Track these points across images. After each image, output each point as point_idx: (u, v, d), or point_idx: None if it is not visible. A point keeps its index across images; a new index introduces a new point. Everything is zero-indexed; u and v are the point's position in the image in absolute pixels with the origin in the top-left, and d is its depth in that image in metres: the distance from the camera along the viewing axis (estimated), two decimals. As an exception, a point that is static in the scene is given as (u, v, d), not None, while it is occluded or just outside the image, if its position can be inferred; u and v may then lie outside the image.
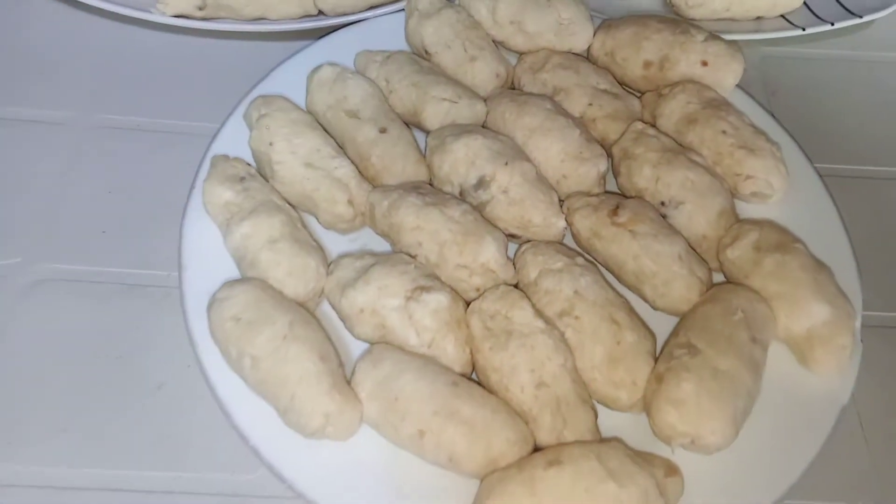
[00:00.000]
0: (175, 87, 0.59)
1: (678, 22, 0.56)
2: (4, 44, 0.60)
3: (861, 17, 0.63)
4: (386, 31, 0.58)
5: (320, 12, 0.60)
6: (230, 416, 0.41)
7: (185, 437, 0.44)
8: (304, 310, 0.43)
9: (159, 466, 0.43)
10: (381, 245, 0.49)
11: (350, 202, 0.48)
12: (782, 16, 0.65)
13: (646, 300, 0.47)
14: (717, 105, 0.53)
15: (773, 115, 0.56)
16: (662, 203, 0.49)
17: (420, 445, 0.39)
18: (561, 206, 0.50)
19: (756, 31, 0.63)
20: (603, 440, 0.41)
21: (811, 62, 0.66)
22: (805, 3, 0.65)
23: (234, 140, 0.51)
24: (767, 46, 0.66)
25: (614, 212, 0.47)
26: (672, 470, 0.40)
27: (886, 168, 0.60)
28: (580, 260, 0.47)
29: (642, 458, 0.39)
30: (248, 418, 0.41)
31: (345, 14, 0.59)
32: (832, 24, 0.63)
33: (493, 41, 0.57)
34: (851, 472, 0.45)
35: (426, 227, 0.46)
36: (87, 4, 0.57)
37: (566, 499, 0.36)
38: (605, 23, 0.58)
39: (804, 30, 0.63)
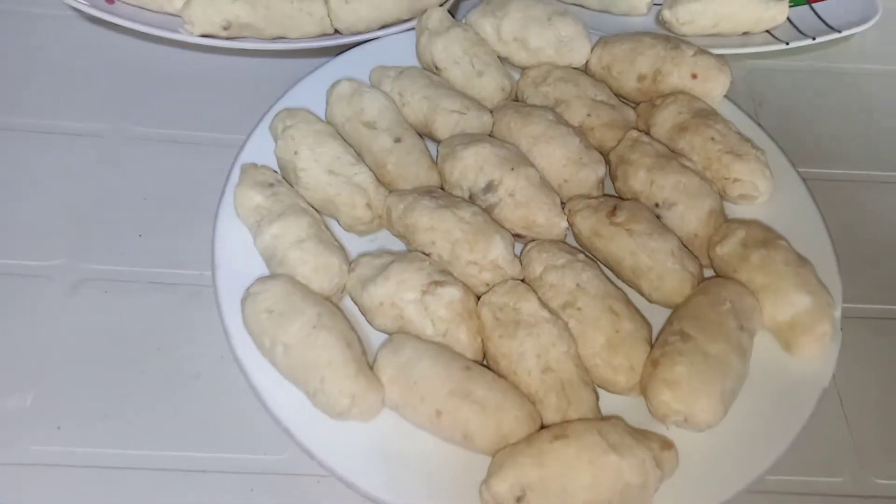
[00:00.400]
0: (202, 101, 0.63)
1: (669, 38, 0.60)
2: (49, 63, 0.64)
3: (840, 31, 0.67)
4: (398, 49, 0.62)
5: (336, 31, 0.64)
6: (263, 401, 0.44)
7: (220, 422, 0.47)
8: (330, 302, 0.47)
9: (197, 448, 0.46)
10: (398, 245, 0.53)
11: (369, 205, 0.51)
12: (767, 31, 0.68)
13: (642, 293, 0.50)
14: (706, 114, 0.56)
15: (758, 124, 0.59)
16: (657, 204, 0.53)
17: (437, 424, 0.43)
18: (563, 208, 0.53)
19: (743, 46, 0.67)
20: (604, 418, 0.44)
21: (795, 74, 0.70)
22: (788, 19, 0.69)
23: (260, 149, 0.55)
24: (754, 60, 0.70)
25: (612, 213, 0.51)
26: (667, 444, 0.43)
27: (865, 171, 0.63)
28: (581, 257, 0.50)
29: (640, 434, 0.42)
30: (279, 402, 0.44)
31: (359, 33, 0.63)
32: (814, 39, 0.67)
33: (499, 57, 0.61)
34: (833, 448, 0.48)
35: (439, 228, 0.49)
36: (122, 26, 0.61)
37: (571, 469, 0.40)
38: (602, 39, 0.61)
39: (788, 44, 0.67)
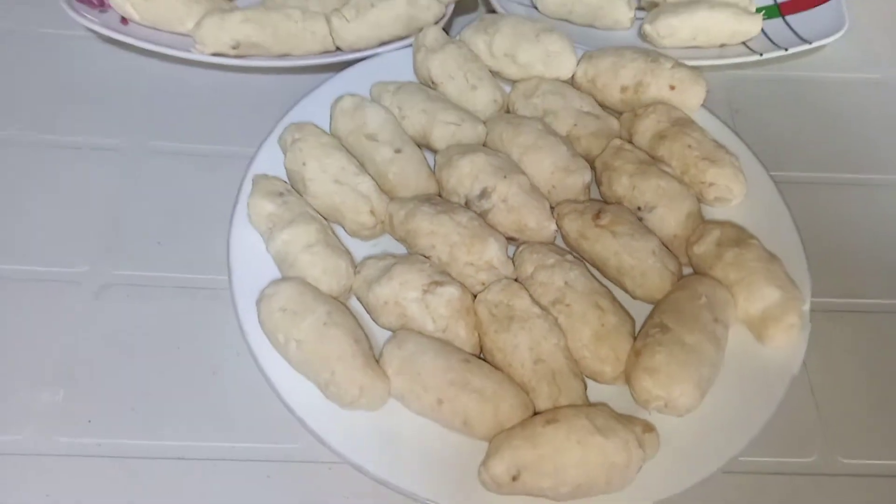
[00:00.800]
0: (214, 116, 0.66)
1: (649, 52, 0.64)
2: (71, 83, 0.67)
3: (811, 43, 0.71)
4: (397, 65, 0.65)
5: (338, 48, 0.68)
6: (278, 393, 0.48)
7: (237, 413, 0.51)
8: (339, 301, 0.51)
9: (215, 438, 0.50)
10: (399, 249, 0.56)
11: (372, 212, 0.55)
12: (743, 43, 0.72)
13: (626, 290, 0.54)
14: (684, 123, 0.59)
15: (733, 130, 0.62)
16: (639, 208, 0.56)
17: (439, 412, 0.46)
18: (552, 212, 0.56)
19: (720, 57, 0.71)
20: (591, 404, 0.48)
21: (769, 83, 0.73)
22: (763, 31, 0.72)
23: (269, 160, 0.58)
24: (731, 70, 0.73)
25: (597, 216, 0.54)
26: (649, 428, 0.46)
27: (834, 174, 0.67)
28: (569, 257, 0.54)
29: (625, 418, 0.46)
30: (293, 394, 0.48)
31: (360, 50, 0.67)
32: (786, 50, 0.71)
33: (491, 71, 0.64)
34: (802, 431, 0.52)
35: (438, 232, 0.52)
36: (139, 47, 0.65)
37: (561, 450, 0.43)
38: (587, 54, 0.65)
39: (762, 55, 0.70)
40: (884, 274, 0.61)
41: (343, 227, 0.57)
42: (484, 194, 0.56)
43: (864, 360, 0.56)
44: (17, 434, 0.49)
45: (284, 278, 0.52)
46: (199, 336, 0.54)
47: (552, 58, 0.63)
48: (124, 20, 0.68)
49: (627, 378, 0.49)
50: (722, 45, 0.72)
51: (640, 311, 0.53)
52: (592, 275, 0.53)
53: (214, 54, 0.65)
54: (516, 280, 0.53)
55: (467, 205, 0.56)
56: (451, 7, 0.70)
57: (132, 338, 0.54)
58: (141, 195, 0.61)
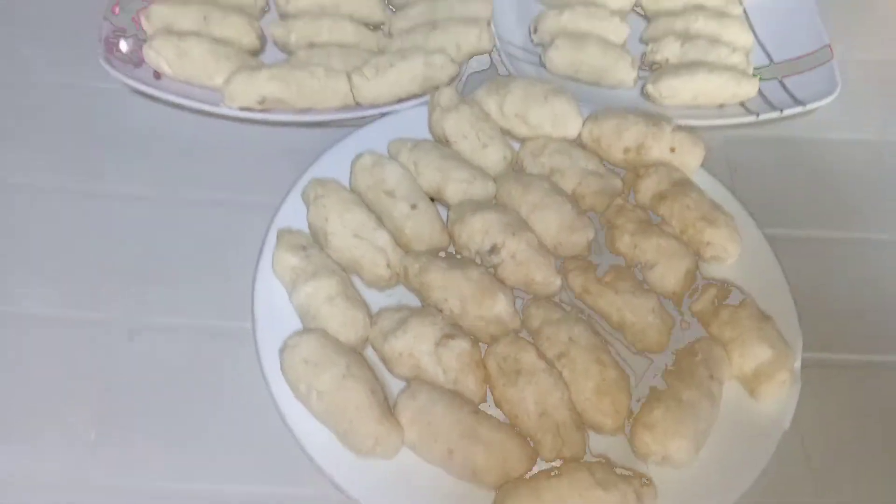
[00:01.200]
0: (240, 167, 0.69)
1: (651, 115, 0.67)
2: (106, 134, 0.71)
3: (805, 105, 0.75)
4: (412, 121, 0.68)
5: (358, 104, 0.72)
6: (298, 440, 0.51)
7: (258, 458, 0.53)
8: (357, 353, 0.54)
9: (237, 481, 0.53)
10: (413, 300, 0.59)
11: (388, 265, 0.58)
12: (741, 104, 0.76)
13: (626, 344, 0.57)
14: (683, 184, 0.63)
15: (730, 190, 0.66)
16: (639, 265, 0.60)
17: (449, 461, 0.49)
18: (558, 268, 0.60)
19: (719, 117, 0.74)
20: (593, 458, 0.51)
21: (766, 142, 0.76)
22: (760, 92, 0.76)
23: (292, 212, 0.62)
24: (729, 130, 0.76)
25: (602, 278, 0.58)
26: (647, 481, 0.49)
27: (827, 232, 0.69)
28: (574, 312, 0.57)
29: (624, 472, 0.49)
30: (313, 441, 0.51)
31: (378, 106, 0.71)
32: (781, 112, 0.74)
33: (501, 130, 0.68)
34: (793, 483, 0.54)
35: (450, 286, 0.56)
36: (170, 101, 0.70)
37: (564, 501, 0.46)
38: (592, 115, 0.68)
39: (759, 116, 0.74)
40: (873, 329, 0.63)
41: (360, 278, 0.60)
42: (494, 250, 0.59)
43: (854, 415, 0.59)
44: (50, 473, 0.52)
45: (307, 330, 0.55)
46: (223, 382, 0.57)
47: (559, 118, 0.67)
48: (157, 75, 0.72)
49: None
50: (721, 105, 0.76)
51: (640, 362, 0.56)
52: (595, 329, 0.56)
53: (242, 108, 0.69)
54: (524, 332, 0.56)
55: (477, 257, 0.60)
56: (466, 67, 0.74)
57: (160, 381, 0.57)
58: (170, 242, 0.64)
